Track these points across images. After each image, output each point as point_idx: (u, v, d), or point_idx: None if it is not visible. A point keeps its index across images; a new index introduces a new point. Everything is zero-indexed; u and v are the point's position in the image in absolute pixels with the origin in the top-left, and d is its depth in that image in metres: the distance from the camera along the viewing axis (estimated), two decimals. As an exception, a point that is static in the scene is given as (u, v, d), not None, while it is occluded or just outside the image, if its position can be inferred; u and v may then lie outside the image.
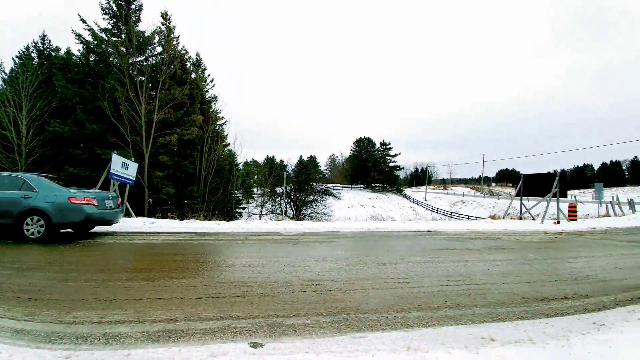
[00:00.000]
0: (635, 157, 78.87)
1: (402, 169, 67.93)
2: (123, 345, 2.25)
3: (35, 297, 3.09)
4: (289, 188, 29.02)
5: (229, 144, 23.57)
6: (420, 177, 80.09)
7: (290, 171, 41.07)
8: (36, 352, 2.12)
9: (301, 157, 73.56)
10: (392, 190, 58.10)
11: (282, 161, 55.37)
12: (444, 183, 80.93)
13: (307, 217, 26.34)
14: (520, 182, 13.64)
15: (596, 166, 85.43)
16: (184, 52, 20.21)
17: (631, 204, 16.69)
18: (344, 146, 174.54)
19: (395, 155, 61.04)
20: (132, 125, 15.10)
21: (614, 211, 15.30)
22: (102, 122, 15.40)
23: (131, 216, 10.25)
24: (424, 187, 61.03)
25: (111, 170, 9.06)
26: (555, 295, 3.46)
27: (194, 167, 18.39)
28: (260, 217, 22.62)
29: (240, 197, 36.02)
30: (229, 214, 20.64)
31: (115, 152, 9.81)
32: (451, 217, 34.06)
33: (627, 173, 79.92)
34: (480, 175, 63.53)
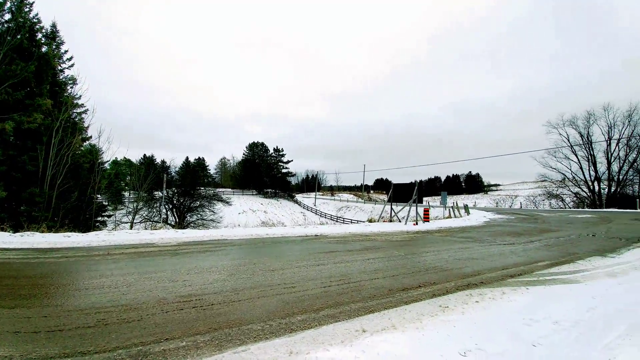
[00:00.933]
0: (470, 172, 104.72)
1: (294, 175, 70.27)
2: None
3: None
4: (172, 192, 25.94)
5: (90, 137, 19.48)
6: (311, 184, 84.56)
7: (174, 173, 36.62)
8: None
9: (187, 158, 67.01)
10: (284, 196, 59.30)
11: (163, 162, 48.82)
12: (332, 190, 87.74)
13: (192, 224, 24.06)
14: (391, 190, 16.02)
15: (443, 178, 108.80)
16: (35, 20, 15.77)
17: (466, 208, 21.97)
18: (236, 150, 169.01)
19: (288, 161, 62.73)
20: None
21: (454, 214, 19.63)
22: None
23: None
24: (314, 193, 64.70)
25: None
26: (412, 285, 4.15)
27: (36, 163, 14.37)
28: (131, 227, 19.38)
29: (106, 203, 30.21)
30: (87, 224, 16.96)
31: None
32: (337, 221, 37.09)
33: (463, 184, 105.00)
34: (362, 183, 71.82)
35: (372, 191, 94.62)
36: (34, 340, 2.37)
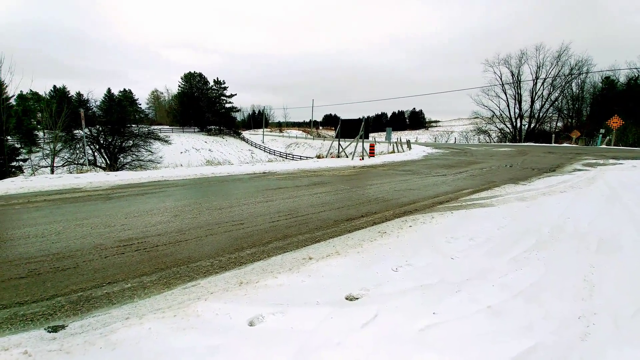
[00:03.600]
0: (414, 109, 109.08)
1: (239, 110, 66.35)
2: None
3: None
4: (97, 131, 22.91)
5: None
6: (258, 120, 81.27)
7: (95, 109, 31.75)
8: None
9: (110, 91, 57.74)
10: (229, 133, 56.41)
11: (79, 95, 41.37)
12: (280, 126, 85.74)
13: (127, 166, 22.09)
14: (339, 126, 16.14)
15: (389, 114, 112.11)
16: None
17: (408, 143, 23.35)
18: (170, 81, 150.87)
19: (232, 95, 58.35)
20: None
21: (398, 149, 20.81)
22: None
23: None
24: (262, 129, 62.57)
25: None
26: (356, 215, 4.49)
27: None
28: (52, 171, 17.18)
29: (18, 145, 25.91)
30: (1, 170, 14.66)
31: None
32: (286, 158, 37.15)
33: (408, 121, 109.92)
34: (310, 119, 70.89)
35: (321, 127, 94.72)
36: (-47, 298, 2.14)
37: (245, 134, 62.20)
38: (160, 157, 24.90)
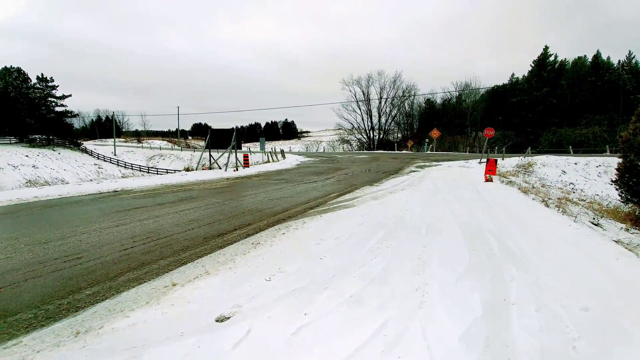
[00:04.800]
0: (286, 120, 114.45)
1: (76, 115, 53.45)
2: None
3: None
4: None
5: None
6: (107, 127, 67.98)
7: None
8: None
9: None
10: (63, 144, 44.65)
11: None
12: (139, 135, 73.90)
13: None
14: (209, 135, 15.21)
15: (263, 125, 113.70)
16: None
17: (282, 153, 24.13)
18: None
19: (64, 96, 46.45)
20: None
21: (272, 158, 21.22)
22: None
23: None
24: (113, 139, 52.48)
25: None
26: (228, 229, 4.29)
27: None
28: None
29: None
30: None
31: None
32: (149, 172, 32.36)
33: (281, 131, 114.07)
34: (177, 128, 64.08)
35: (190, 137, 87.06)
36: None
37: (89, 144, 50.83)
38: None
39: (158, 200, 6.39)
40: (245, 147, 25.84)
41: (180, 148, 51.32)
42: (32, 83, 45.18)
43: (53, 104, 46.20)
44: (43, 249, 3.41)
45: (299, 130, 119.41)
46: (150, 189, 7.89)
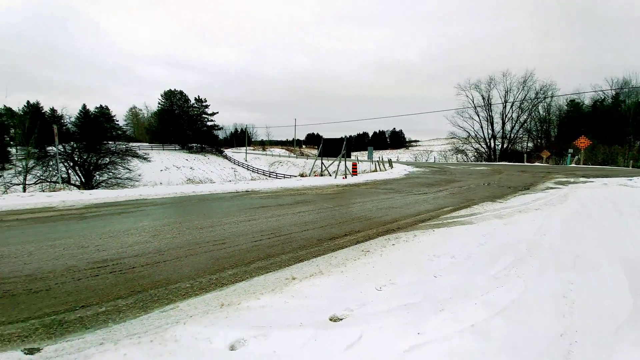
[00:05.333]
0: (394, 129, 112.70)
1: (221, 128, 65.82)
2: None
3: None
4: (70, 148, 22.07)
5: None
6: (240, 138, 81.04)
7: (69, 125, 30.62)
8: None
9: (85, 106, 55.73)
10: (211, 151, 55.77)
11: (53, 110, 39.89)
12: (263, 144, 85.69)
13: (103, 184, 21.26)
14: (321, 144, 16.34)
15: (371, 134, 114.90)
16: None
17: (390, 162, 23.90)
18: (148, 98, 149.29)
19: (214, 113, 58.12)
20: None
21: (380, 167, 21.22)
22: None
23: None
24: (244, 148, 62.31)
25: None
26: (339, 234, 4.49)
27: None
28: (24, 189, 16.31)
29: (-15, 162, 24.47)
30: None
31: None
32: (269, 177, 36.97)
33: (388, 140, 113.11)
34: (293, 138, 71.48)
35: (304, 146, 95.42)
36: None
37: (228, 152, 61.67)
38: (139, 175, 24.17)
39: (279, 201, 7.22)
40: (353, 155, 26.72)
41: (295, 156, 56.73)
42: (191, 103, 57.89)
43: (205, 119, 58.09)
44: (199, 233, 4.31)
45: (407, 140, 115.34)
46: (273, 191, 8.99)
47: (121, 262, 3.17)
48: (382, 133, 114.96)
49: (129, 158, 25.68)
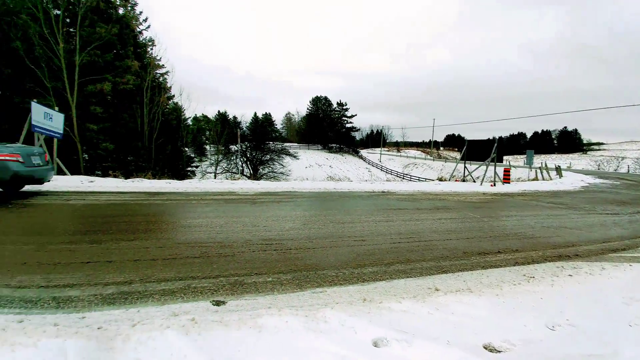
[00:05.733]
0: (565, 127, 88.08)
1: (358, 130, 68.82)
2: (76, 309, 2.12)
3: (-47, 265, 2.70)
4: (245, 146, 28.05)
5: (174, 96, 21.62)
6: (376, 139, 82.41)
7: (244, 128, 39.03)
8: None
9: (256, 114, 69.40)
10: (348, 151, 59.19)
11: (235, 118, 52.04)
12: (398, 146, 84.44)
13: (264, 176, 26.02)
14: (465, 147, 14.67)
15: (529, 135, 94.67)
16: None
17: (558, 169, 18.99)
18: (300, 104, 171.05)
19: (352, 116, 61.31)
20: (50, 68, 12.93)
21: (542, 175, 17.36)
22: (17, 66, 12.92)
23: (65, 174, 9.19)
24: (379, 149, 63.07)
25: (33, 122, 7.83)
26: (490, 250, 3.92)
27: (135, 120, 16.67)
28: (215, 176, 21.84)
29: (192, 155, 34.12)
30: (181, 173, 19.56)
31: (35, 100, 8.43)
32: (403, 179, 36.12)
33: (555, 142, 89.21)
34: (430, 139, 67.28)
35: (442, 148, 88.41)
36: (152, 267, 2.91)
37: (363, 152, 63.90)
38: (289, 170, 28.27)
39: (417, 205, 6.95)
40: (504, 160, 22.75)
41: (432, 158, 53.28)
42: (333, 107, 62.87)
43: (345, 121, 61.96)
44: (341, 227, 4.65)
45: (584, 142, 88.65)
46: (409, 194, 8.73)
47: (282, 242, 3.77)
48: (545, 133, 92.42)
49: (283, 156, 30.48)
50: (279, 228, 4.43)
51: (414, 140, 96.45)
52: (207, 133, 40.31)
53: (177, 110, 21.42)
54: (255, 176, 24.15)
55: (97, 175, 11.77)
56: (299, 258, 3.31)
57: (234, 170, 24.01)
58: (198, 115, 49.52)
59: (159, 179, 9.58)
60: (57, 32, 12.81)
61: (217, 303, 2.35)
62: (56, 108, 10.03)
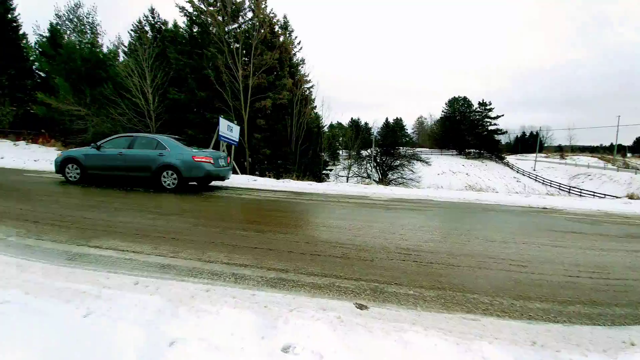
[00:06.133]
0: None
1: (504, 132, 58.84)
2: (248, 286, 2.60)
3: (177, 238, 3.79)
4: (375, 152, 28.50)
5: (316, 107, 23.99)
6: (529, 143, 68.56)
7: (375, 134, 39.74)
8: (181, 284, 2.59)
9: (387, 119, 69.69)
10: (490, 157, 51.45)
11: (366, 124, 53.75)
12: (561, 150, 67.45)
13: (393, 181, 25.70)
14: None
15: None
16: (272, 15, 20.15)
17: None
18: (433, 108, 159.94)
19: (497, 117, 52.99)
20: (232, 90, 16.52)
21: None
22: (208, 89, 17.19)
23: (237, 173, 11.63)
24: (533, 154, 52.11)
25: (220, 133, 10.26)
26: None
27: (286, 130, 19.44)
28: (347, 180, 23.10)
29: (327, 159, 37.16)
30: (318, 175, 21.61)
31: (222, 116, 10.99)
32: (570, 193, 28.76)
33: None
34: (612, 143, 50.68)
35: (629, 154, 65.26)
36: (302, 260, 3.27)
37: (510, 158, 54.25)
38: (420, 177, 26.96)
39: (598, 229, 5.34)
40: None
41: (615, 167, 40.33)
42: (474, 108, 56.18)
43: (487, 123, 54.43)
44: (490, 246, 4.05)
45: None
46: (585, 214, 6.82)
47: (420, 254, 3.58)
48: None
49: (414, 161, 29.33)
50: (417, 238, 4.23)
51: (586, 144, 75.22)
52: (341, 139, 43.22)
53: (317, 119, 23.80)
54: (384, 181, 24.18)
55: (257, 175, 14.39)
56: (442, 275, 3.05)
57: (364, 174, 24.79)
58: (333, 123, 53.75)
59: (302, 180, 10.85)
60: (237, 61, 16.36)
61: (360, 307, 2.42)
62: (235, 122, 12.84)
